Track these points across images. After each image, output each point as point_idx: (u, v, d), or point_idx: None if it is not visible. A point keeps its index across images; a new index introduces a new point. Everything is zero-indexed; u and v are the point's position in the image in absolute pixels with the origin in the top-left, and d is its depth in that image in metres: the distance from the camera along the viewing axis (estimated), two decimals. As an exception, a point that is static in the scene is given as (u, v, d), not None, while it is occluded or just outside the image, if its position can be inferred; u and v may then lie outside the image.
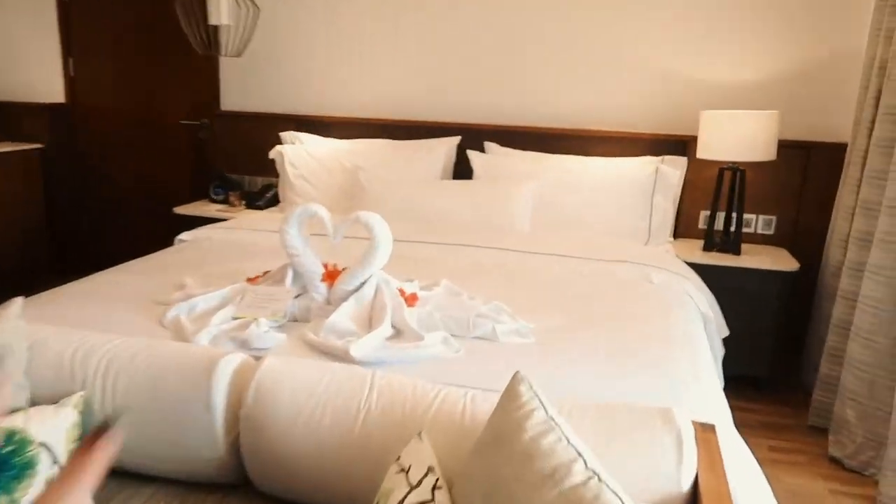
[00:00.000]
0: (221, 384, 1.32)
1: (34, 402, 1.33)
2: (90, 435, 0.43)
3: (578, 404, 1.25)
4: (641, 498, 1.10)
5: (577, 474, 0.94)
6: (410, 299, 1.82)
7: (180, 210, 3.43)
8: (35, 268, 3.94)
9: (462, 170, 3.24)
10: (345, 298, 1.78)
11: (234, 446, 1.32)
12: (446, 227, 2.74)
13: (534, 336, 1.75)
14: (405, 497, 1.05)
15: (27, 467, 1.17)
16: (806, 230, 3.02)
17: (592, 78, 3.22)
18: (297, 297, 1.83)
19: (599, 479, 0.94)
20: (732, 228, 2.92)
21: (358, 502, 1.22)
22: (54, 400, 1.32)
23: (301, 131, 3.48)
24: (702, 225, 3.14)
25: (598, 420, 1.20)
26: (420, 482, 1.08)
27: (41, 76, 3.99)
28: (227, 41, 3.40)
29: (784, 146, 2.85)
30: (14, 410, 1.25)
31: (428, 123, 3.40)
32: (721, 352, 2.43)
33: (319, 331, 1.65)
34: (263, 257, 2.35)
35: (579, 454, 0.98)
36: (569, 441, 1.01)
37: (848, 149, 2.78)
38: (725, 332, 2.50)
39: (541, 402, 1.12)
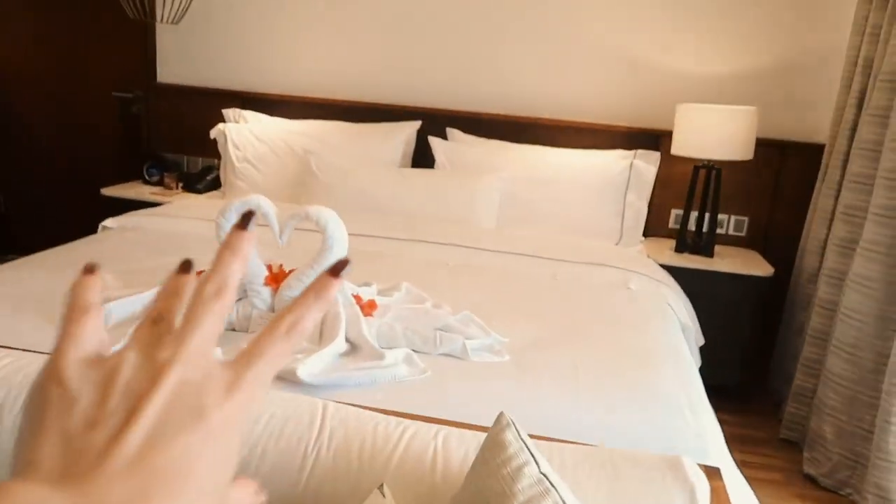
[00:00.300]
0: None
1: None
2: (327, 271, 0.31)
3: (571, 451, 1.05)
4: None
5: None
6: (368, 307, 1.59)
7: (109, 192, 3.09)
8: (-60, 251, 3.53)
9: (422, 158, 3.01)
10: (291, 307, 1.53)
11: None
12: (406, 221, 2.51)
13: (508, 352, 1.55)
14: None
15: None
16: (778, 233, 2.91)
17: (564, 64, 3.02)
18: (235, 301, 1.57)
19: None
20: (705, 229, 2.78)
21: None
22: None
23: (246, 109, 3.18)
24: (672, 224, 3.00)
25: (597, 473, 1.00)
26: (383, 560, 0.86)
27: (-50, 35, 3.55)
28: (163, 6, 3.05)
29: (758, 144, 2.72)
30: None
31: (386, 106, 3.15)
32: (698, 362, 2.28)
33: (260, 346, 1.40)
34: (200, 250, 2.04)
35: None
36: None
37: (826, 150, 2.67)
38: (702, 341, 2.36)
39: (532, 454, 0.92)
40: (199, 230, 2.33)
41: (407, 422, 1.11)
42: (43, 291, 1.69)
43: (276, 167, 2.90)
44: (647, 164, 2.77)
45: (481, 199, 2.66)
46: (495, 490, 0.88)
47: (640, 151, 2.83)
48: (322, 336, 1.49)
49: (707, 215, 2.77)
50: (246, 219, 0.34)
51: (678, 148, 2.68)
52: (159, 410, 0.28)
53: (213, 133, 3.00)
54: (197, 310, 0.32)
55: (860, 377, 2.16)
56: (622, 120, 3.00)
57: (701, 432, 1.34)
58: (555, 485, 0.88)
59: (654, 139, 2.92)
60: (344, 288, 1.59)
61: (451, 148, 2.93)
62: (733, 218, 2.95)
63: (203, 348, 0.31)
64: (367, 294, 1.65)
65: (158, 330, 0.32)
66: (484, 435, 1.10)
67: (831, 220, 2.50)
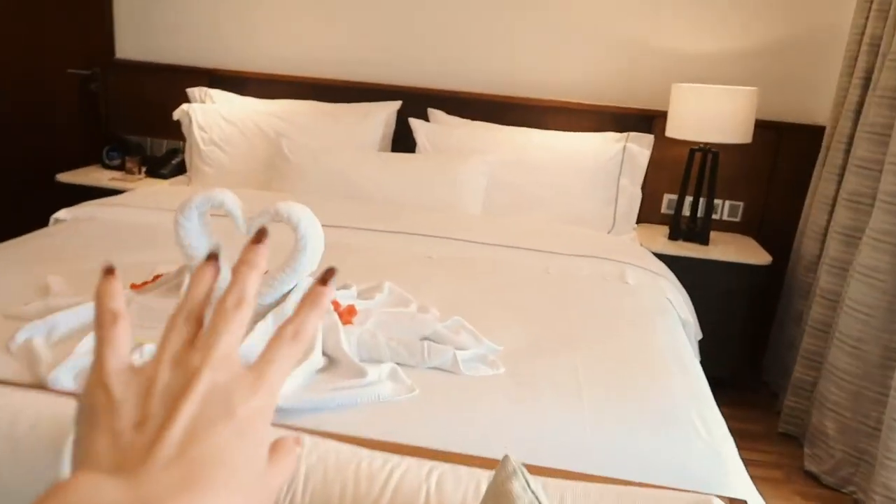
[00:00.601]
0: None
1: None
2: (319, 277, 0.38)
3: (584, 490, 0.92)
4: None
5: None
6: (347, 314, 1.44)
7: (65, 178, 2.87)
8: None
9: (403, 141, 2.83)
10: (262, 316, 1.37)
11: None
12: (386, 210, 2.34)
13: (502, 363, 1.40)
14: None
15: None
16: (775, 219, 2.80)
17: (553, 41, 2.85)
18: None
19: None
20: (700, 215, 2.66)
21: None
22: None
23: (214, 87, 2.97)
24: (665, 209, 2.87)
25: (617, 522, 0.87)
26: None
27: None
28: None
29: (756, 126, 2.59)
30: None
31: (365, 84, 2.96)
32: (697, 357, 2.17)
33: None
34: (161, 247, 1.88)
35: None
36: None
37: (827, 133, 2.55)
38: (700, 336, 2.24)
39: (544, 508, 0.79)
40: (164, 222, 2.13)
41: (395, 458, 0.97)
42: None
43: (245, 150, 2.71)
44: (640, 148, 2.63)
45: (466, 185, 2.50)
46: (504, 556, 0.75)
47: (633, 134, 2.68)
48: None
49: (702, 201, 2.64)
50: (261, 235, 0.38)
51: (673, 130, 2.54)
52: (194, 410, 0.32)
53: (176, 114, 2.79)
54: (221, 320, 0.35)
55: (865, 372, 2.07)
56: (614, 101, 2.85)
57: (717, 451, 1.22)
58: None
59: (648, 121, 2.78)
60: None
61: (434, 130, 2.76)
62: (728, 203, 2.83)
63: (228, 354, 0.34)
64: (345, 298, 1.50)
65: (189, 330, 0.36)
66: (484, 473, 0.96)
67: (833, 206, 2.39)
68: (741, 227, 2.84)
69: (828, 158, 2.47)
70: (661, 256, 2.36)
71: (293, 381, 1.20)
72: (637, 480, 1.11)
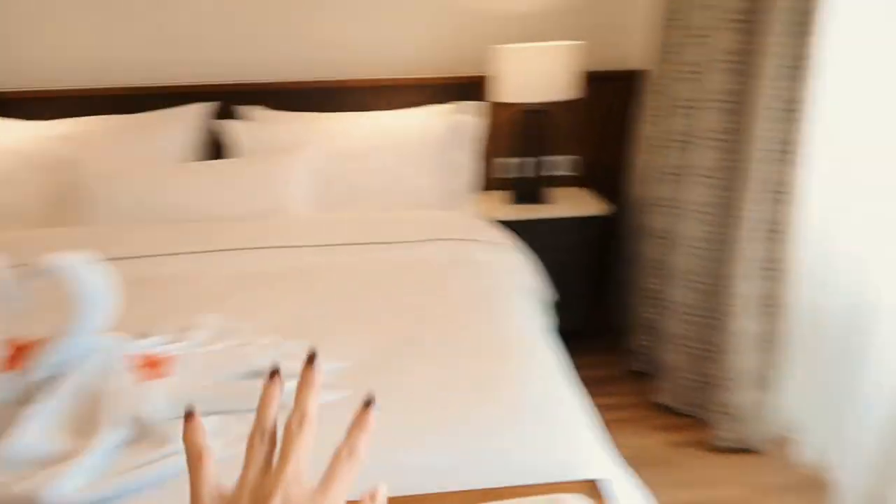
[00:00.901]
0: None
1: None
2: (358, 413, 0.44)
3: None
4: None
5: None
6: (151, 366, 1.24)
7: None
8: None
9: (217, 147, 2.58)
10: (42, 388, 1.14)
11: None
12: (201, 228, 2.11)
13: (347, 382, 1.27)
14: None
15: None
16: (612, 168, 2.84)
17: (365, 15, 2.69)
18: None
19: None
20: (537, 176, 2.65)
21: None
22: None
23: (-18, 116, 2.54)
24: (506, 174, 2.83)
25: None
26: None
27: None
28: None
29: (588, 80, 2.59)
30: None
31: (165, 89, 2.65)
32: (550, 319, 2.16)
33: None
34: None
35: None
36: None
37: (646, 76, 2.59)
38: (554, 296, 2.23)
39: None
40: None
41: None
42: None
43: (31, 185, 2.34)
44: (471, 117, 2.56)
45: (291, 185, 2.31)
46: None
47: (462, 104, 2.61)
48: (100, 425, 1.11)
49: (538, 161, 2.63)
50: (312, 359, 0.44)
51: (501, 94, 2.49)
52: None
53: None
54: (288, 443, 0.41)
55: (703, 303, 2.15)
56: (442, 72, 2.74)
57: (576, 434, 1.18)
58: None
59: (473, 88, 2.70)
60: (113, 350, 1.22)
61: (245, 129, 2.52)
62: (567, 159, 2.84)
63: (297, 475, 0.41)
64: (145, 349, 1.29)
65: (266, 450, 0.42)
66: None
67: (659, 147, 2.44)
68: (582, 182, 2.86)
69: (650, 101, 2.51)
70: (505, 223, 2.33)
71: (82, 472, 1.00)
72: (499, 486, 1.04)
